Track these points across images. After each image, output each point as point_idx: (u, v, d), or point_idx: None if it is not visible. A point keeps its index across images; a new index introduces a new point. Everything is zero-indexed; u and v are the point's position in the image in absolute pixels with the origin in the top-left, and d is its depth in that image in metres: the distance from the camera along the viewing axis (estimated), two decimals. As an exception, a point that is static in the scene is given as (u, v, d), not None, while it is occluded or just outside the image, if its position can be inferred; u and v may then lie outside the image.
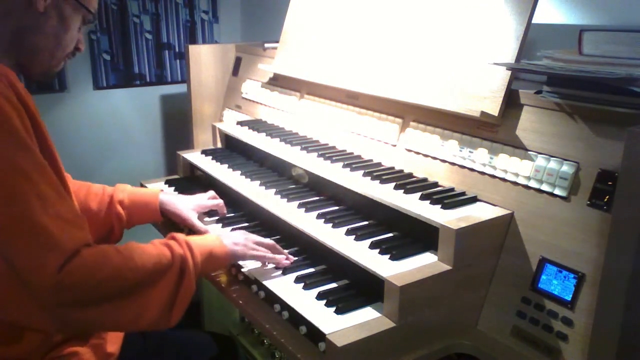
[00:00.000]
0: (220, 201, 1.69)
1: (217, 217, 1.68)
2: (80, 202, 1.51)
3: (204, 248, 1.27)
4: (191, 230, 1.61)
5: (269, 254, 1.39)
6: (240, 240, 1.37)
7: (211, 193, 1.72)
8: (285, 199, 1.58)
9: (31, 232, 1.01)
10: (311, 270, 1.39)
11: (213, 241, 1.32)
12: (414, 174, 1.54)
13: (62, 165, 1.21)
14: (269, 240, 1.42)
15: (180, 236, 1.26)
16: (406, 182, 1.45)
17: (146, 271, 1.12)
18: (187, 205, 1.64)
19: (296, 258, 1.43)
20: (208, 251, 1.28)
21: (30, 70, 1.22)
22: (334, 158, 1.65)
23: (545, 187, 1.24)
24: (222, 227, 1.64)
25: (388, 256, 1.25)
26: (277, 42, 2.17)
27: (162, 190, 1.71)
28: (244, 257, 1.36)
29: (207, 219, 1.69)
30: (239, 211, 1.73)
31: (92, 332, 1.28)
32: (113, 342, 1.33)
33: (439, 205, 1.31)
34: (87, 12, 1.23)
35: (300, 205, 1.53)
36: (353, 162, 1.62)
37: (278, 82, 2.20)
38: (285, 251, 1.43)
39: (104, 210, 1.57)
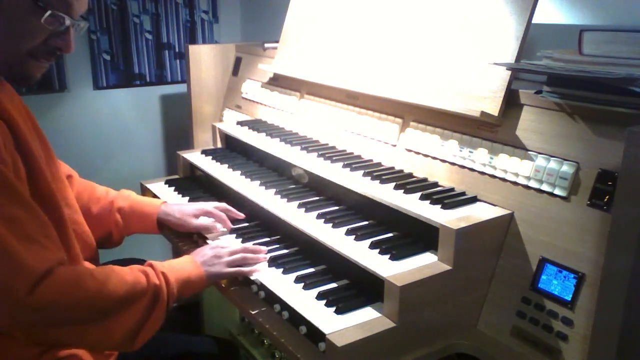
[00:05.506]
0: (222, 215, 1.60)
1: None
2: (82, 205, 1.51)
3: (181, 275, 1.28)
4: (200, 236, 1.59)
5: (249, 255, 1.39)
6: (212, 260, 1.36)
7: (222, 204, 1.65)
8: (285, 199, 1.58)
9: None
10: (311, 270, 1.39)
11: (190, 267, 1.32)
12: (414, 174, 1.54)
13: (56, 172, 1.20)
14: (240, 247, 1.42)
15: (157, 265, 1.26)
16: (406, 182, 1.45)
17: (118, 298, 1.13)
18: (186, 212, 1.61)
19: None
20: (185, 278, 1.29)
21: (3, 74, 1.18)
22: (334, 158, 1.65)
23: (545, 187, 1.24)
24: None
25: (388, 256, 1.25)
26: (277, 42, 2.17)
27: (165, 202, 1.68)
28: (223, 276, 1.36)
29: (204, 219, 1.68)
30: (239, 211, 1.72)
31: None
32: None
33: (439, 205, 1.31)
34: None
35: (300, 205, 1.53)
36: (353, 162, 1.62)
37: (278, 82, 2.20)
38: (258, 246, 1.44)
39: (104, 215, 1.57)
